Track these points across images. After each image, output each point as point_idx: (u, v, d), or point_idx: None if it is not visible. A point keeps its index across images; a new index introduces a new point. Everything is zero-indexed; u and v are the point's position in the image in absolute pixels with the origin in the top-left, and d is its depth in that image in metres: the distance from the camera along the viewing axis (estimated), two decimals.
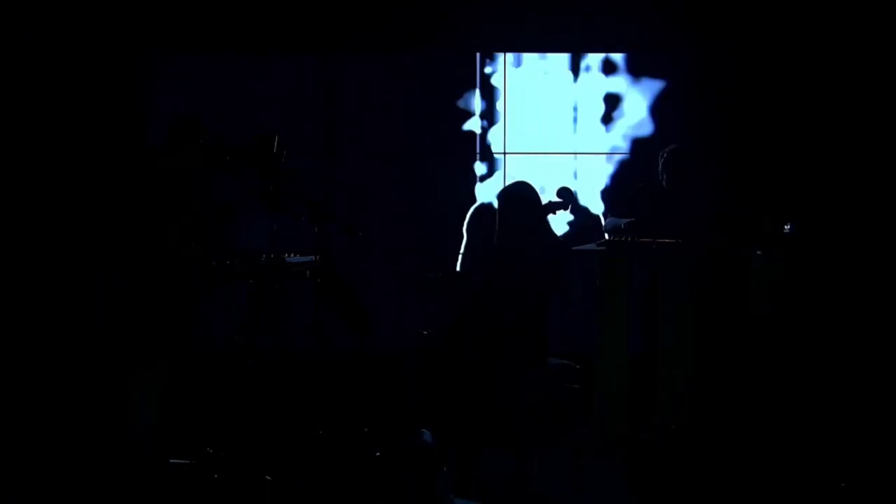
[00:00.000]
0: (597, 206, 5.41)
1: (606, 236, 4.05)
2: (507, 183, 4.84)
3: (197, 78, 5.36)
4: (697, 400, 3.83)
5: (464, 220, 5.44)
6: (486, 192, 5.43)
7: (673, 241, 3.88)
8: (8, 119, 4.88)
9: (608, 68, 5.43)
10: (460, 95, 5.49)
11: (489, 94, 5.48)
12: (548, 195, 3.64)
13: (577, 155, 5.46)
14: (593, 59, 5.44)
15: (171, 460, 3.37)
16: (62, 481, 3.26)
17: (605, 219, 4.84)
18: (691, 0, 5.18)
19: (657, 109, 5.39)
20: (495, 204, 3.73)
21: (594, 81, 5.45)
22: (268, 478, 3.27)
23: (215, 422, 3.62)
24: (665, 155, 4.25)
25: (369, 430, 3.72)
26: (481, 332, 3.47)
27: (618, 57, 5.42)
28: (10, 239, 4.75)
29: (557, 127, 5.47)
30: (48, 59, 4.98)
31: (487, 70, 5.47)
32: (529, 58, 5.48)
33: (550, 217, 3.61)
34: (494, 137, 5.48)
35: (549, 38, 5.37)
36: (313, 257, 3.76)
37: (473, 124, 5.48)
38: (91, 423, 3.77)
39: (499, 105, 5.47)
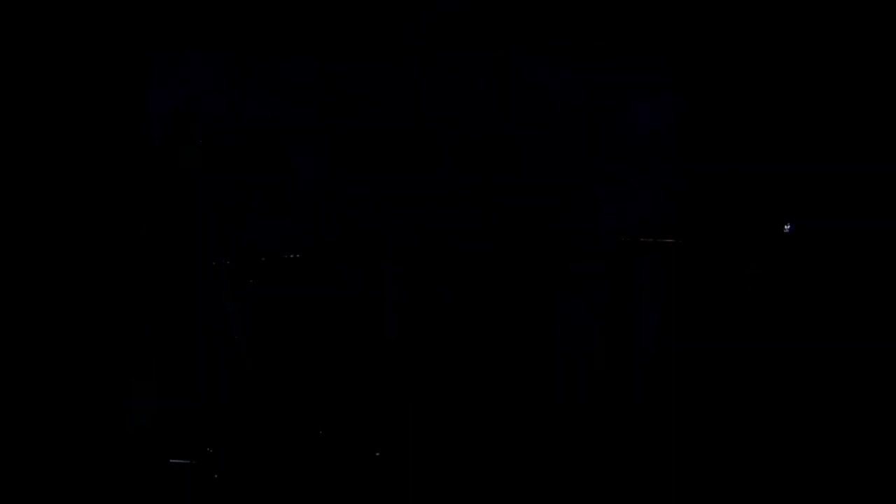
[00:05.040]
0: None
1: None
2: None
3: (197, 78, 5.35)
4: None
5: None
6: None
7: (672, 241, 3.89)
8: (5, 119, 4.87)
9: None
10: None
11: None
12: None
13: None
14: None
15: (171, 460, 3.37)
16: (62, 481, 3.26)
17: None
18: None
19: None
20: None
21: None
22: (269, 476, 3.27)
23: (215, 422, 3.62)
24: None
25: (370, 430, 3.72)
26: None
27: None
28: (7, 238, 4.74)
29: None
30: (47, 57, 4.98)
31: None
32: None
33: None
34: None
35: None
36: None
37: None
38: (91, 423, 3.77)
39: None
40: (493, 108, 4.74)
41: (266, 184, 3.66)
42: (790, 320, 3.97)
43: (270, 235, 3.72)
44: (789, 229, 3.98)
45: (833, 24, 4.66)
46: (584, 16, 4.86)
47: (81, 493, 3.18)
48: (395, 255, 5.04)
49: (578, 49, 4.86)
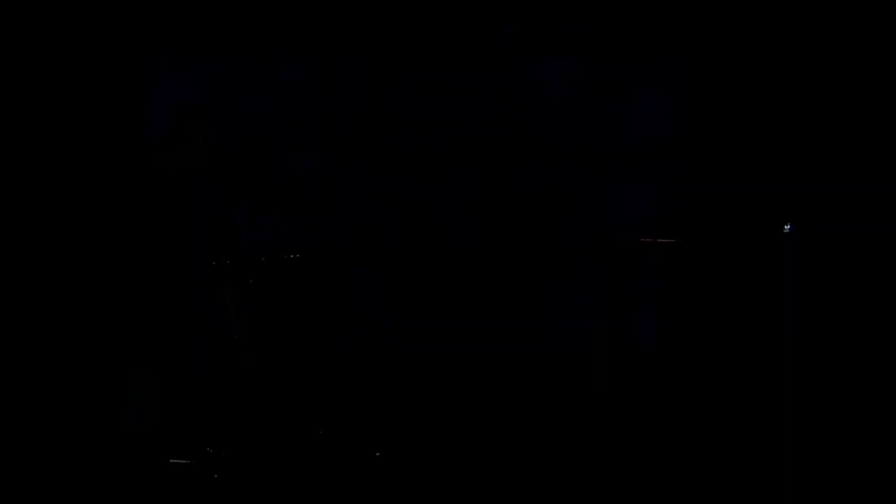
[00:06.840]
0: None
1: None
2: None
3: (197, 78, 5.35)
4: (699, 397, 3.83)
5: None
6: None
7: (673, 241, 3.89)
8: (6, 119, 4.87)
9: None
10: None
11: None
12: None
13: None
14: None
15: (171, 460, 3.36)
16: (62, 481, 3.26)
17: None
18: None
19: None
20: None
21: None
22: (268, 477, 3.27)
23: (215, 422, 3.62)
24: None
25: (370, 430, 3.71)
26: None
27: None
28: (6, 238, 4.74)
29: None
30: (47, 57, 4.98)
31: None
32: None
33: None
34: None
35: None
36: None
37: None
38: (91, 423, 3.76)
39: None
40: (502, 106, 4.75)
41: (266, 184, 3.66)
42: (790, 320, 3.97)
43: (270, 235, 3.71)
44: (789, 229, 3.98)
45: (836, 47, 4.68)
46: (593, 27, 4.85)
47: (82, 493, 3.18)
48: (395, 254, 5.04)
49: (587, 52, 4.85)
